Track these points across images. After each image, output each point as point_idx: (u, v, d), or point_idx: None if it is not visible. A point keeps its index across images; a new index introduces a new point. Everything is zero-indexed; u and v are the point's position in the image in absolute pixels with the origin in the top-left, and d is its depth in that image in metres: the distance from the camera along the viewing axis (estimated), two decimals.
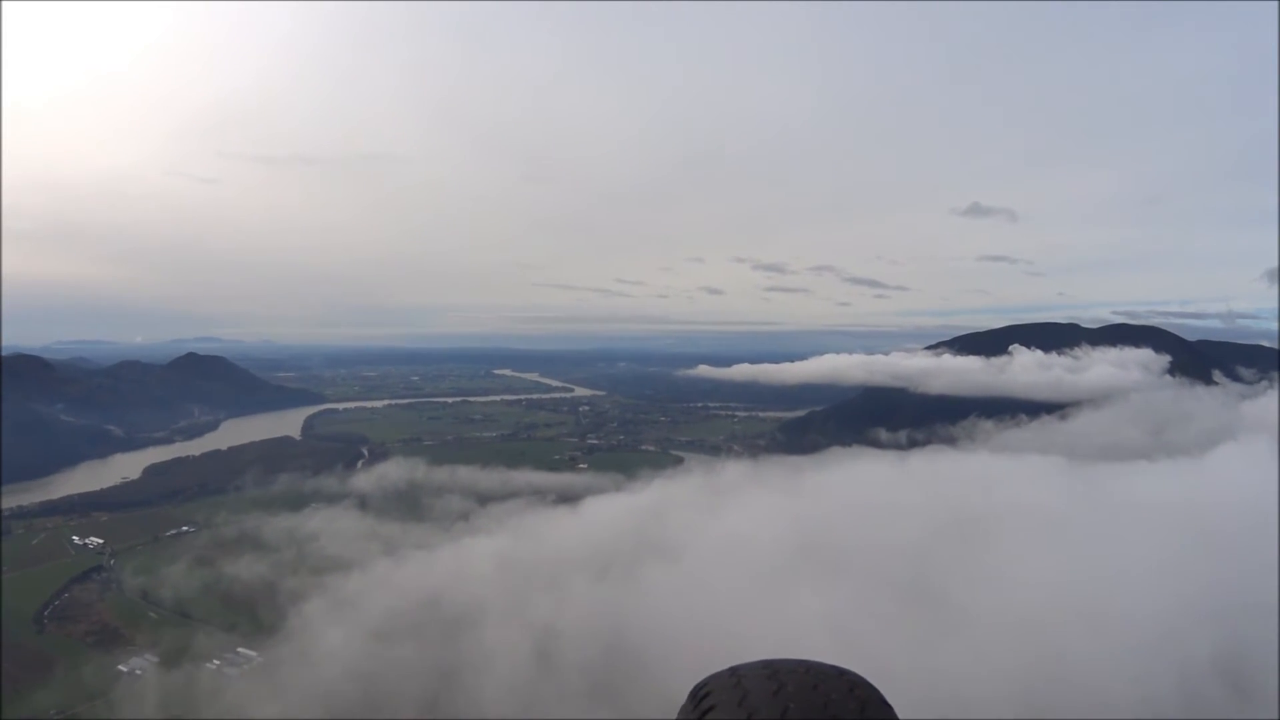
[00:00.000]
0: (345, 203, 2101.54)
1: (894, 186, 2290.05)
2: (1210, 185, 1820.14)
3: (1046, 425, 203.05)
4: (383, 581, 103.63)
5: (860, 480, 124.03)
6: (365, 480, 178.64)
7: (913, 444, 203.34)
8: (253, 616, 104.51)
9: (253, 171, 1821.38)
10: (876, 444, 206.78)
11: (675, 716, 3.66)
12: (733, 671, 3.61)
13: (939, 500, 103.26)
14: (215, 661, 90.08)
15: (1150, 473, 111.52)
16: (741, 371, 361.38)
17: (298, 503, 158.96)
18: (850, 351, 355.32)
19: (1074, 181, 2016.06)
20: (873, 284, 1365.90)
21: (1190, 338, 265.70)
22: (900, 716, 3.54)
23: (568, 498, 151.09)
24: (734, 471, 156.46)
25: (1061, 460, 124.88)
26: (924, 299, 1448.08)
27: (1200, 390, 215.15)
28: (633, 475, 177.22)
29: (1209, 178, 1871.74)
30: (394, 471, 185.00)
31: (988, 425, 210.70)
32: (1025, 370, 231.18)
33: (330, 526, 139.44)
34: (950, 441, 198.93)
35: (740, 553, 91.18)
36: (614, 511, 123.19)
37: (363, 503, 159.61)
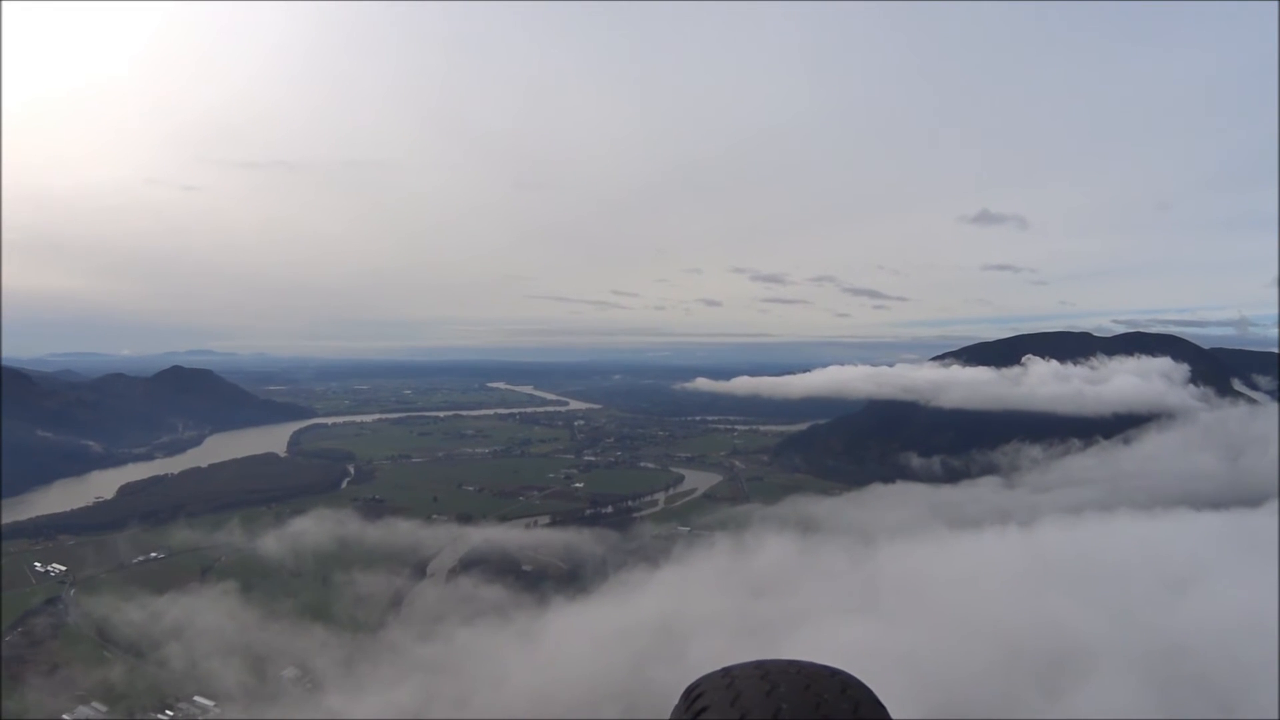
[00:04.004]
0: (336, 212, 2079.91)
1: (898, 195, 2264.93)
2: (1215, 190, 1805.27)
3: (1109, 452, 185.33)
4: None
5: (975, 568, 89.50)
6: (283, 539, 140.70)
7: (951, 474, 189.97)
8: None
9: (242, 180, 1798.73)
10: (908, 471, 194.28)
11: (668, 717, 3.62)
12: (725, 672, 3.61)
13: (1135, 626, 68.33)
14: (168, 712, 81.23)
15: None
16: (742, 385, 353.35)
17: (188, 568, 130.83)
18: (850, 363, 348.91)
19: (1079, 188, 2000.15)
20: (873, 294, 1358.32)
21: (1202, 345, 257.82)
22: (893, 716, 3.53)
23: (537, 579, 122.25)
24: (774, 546, 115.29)
25: (1236, 517, 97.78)
26: (922, 309, 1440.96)
27: (1270, 408, 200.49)
28: (633, 532, 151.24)
29: (1213, 183, 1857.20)
30: (316, 529, 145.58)
31: (1034, 451, 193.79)
32: (1042, 382, 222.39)
33: (197, 621, 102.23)
34: (994, 471, 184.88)
35: None
36: (600, 635, 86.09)
37: (250, 584, 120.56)
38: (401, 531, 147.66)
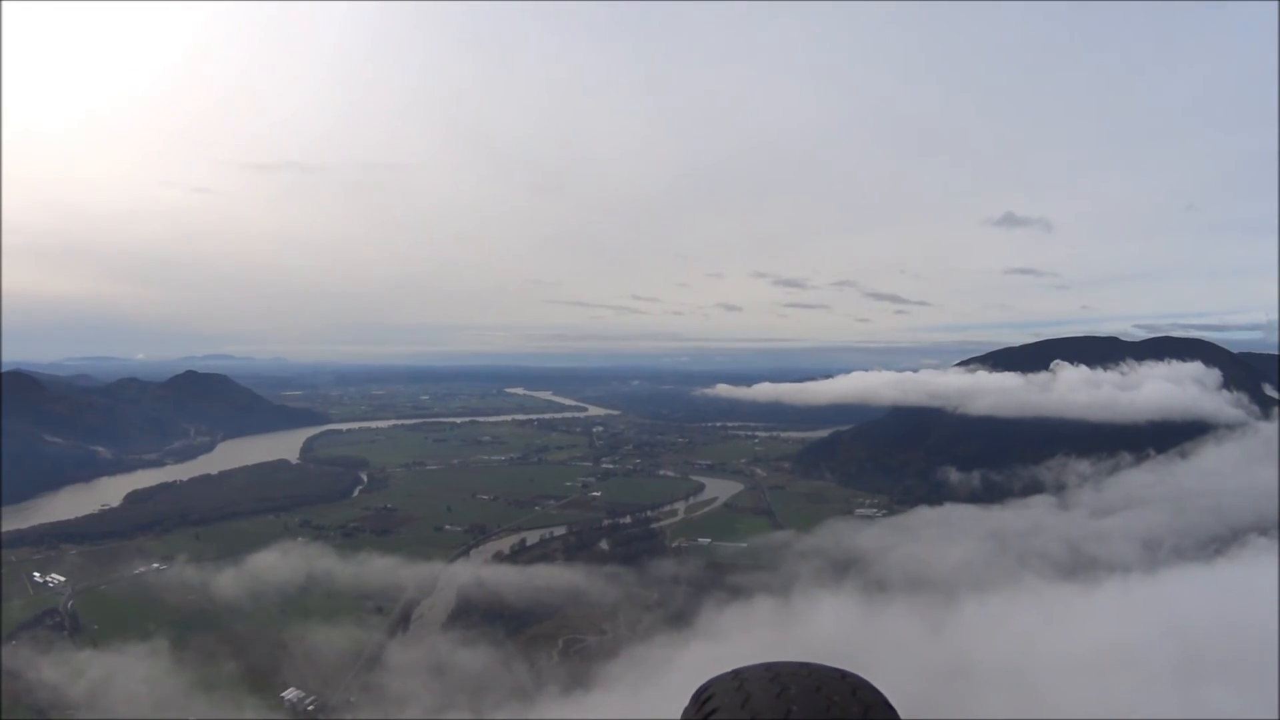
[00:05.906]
0: (356, 216, 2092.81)
1: (922, 198, 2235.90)
2: (1236, 193, 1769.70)
3: (1165, 467, 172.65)
4: None
5: (1096, 640, 69.28)
6: (241, 577, 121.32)
7: (992, 490, 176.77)
8: None
9: (259, 183, 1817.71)
10: (944, 487, 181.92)
11: (678, 718, 3.68)
12: (736, 674, 3.65)
13: None
14: None
15: None
16: (764, 392, 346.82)
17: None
18: (869, 368, 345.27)
19: (1103, 190, 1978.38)
20: (894, 299, 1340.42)
21: (1230, 350, 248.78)
22: (903, 718, 3.56)
23: (534, 645, 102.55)
24: (829, 607, 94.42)
25: None
26: (943, 314, 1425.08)
27: None
28: (653, 568, 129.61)
29: (1234, 186, 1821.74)
30: (284, 564, 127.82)
31: (1082, 465, 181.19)
32: (1072, 389, 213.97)
33: (119, 684, 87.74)
34: (1039, 488, 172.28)
35: None
36: None
37: (183, 643, 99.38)
38: (381, 568, 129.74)
